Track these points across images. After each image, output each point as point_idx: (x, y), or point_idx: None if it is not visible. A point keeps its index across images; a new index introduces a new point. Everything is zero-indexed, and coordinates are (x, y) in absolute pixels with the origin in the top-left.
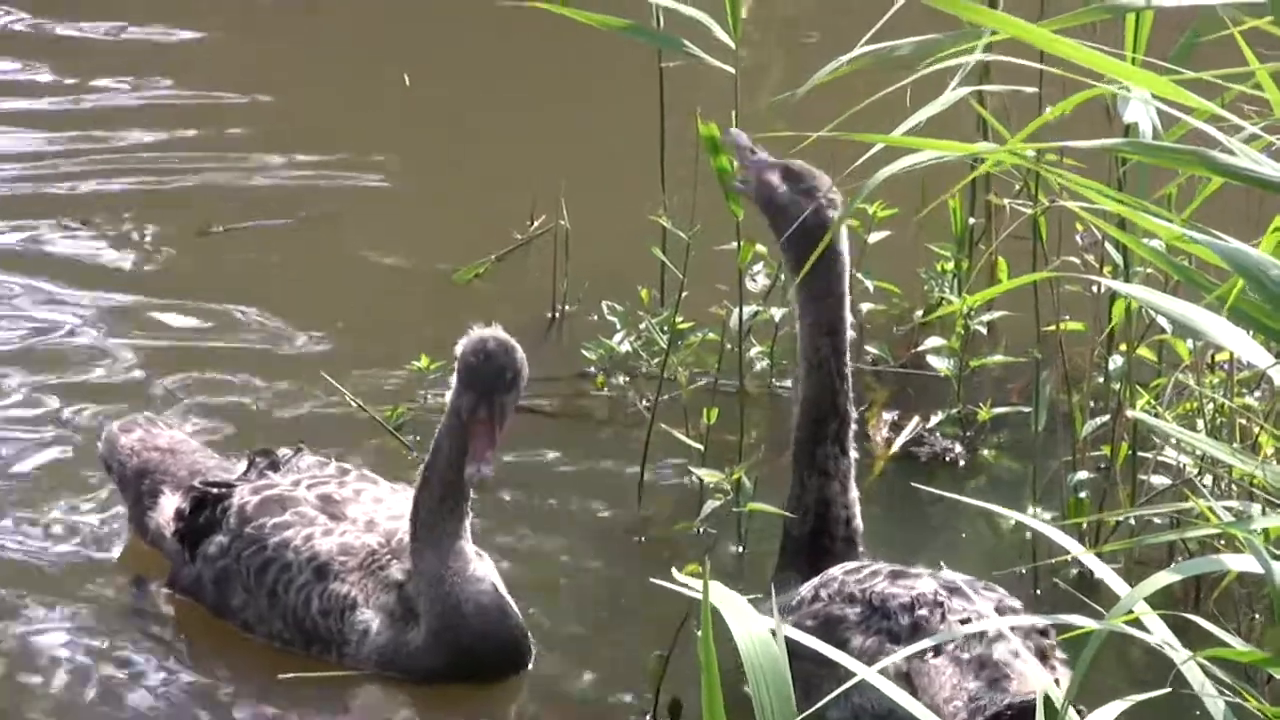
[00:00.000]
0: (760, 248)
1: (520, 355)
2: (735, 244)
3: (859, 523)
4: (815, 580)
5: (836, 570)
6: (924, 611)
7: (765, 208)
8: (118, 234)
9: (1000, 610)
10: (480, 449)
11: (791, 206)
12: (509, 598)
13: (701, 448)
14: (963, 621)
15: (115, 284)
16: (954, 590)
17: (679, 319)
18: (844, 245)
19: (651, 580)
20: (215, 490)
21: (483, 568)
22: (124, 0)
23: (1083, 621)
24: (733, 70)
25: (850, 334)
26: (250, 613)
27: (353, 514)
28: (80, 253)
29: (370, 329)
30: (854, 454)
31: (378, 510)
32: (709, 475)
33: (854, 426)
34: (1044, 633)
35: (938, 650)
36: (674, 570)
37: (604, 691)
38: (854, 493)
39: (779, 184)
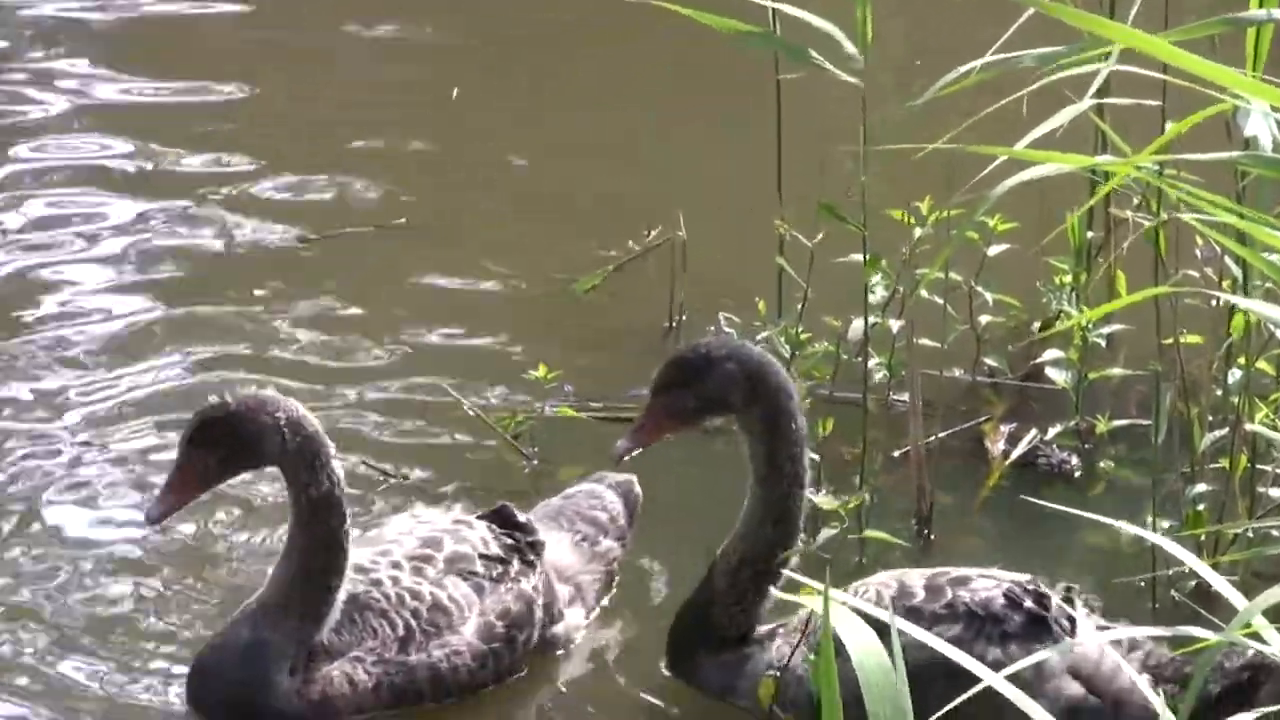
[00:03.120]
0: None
1: None
2: (860, 256)
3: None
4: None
5: (873, 594)
6: (1031, 604)
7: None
8: (230, 237)
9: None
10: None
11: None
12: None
13: (818, 458)
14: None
15: (221, 289)
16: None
17: (798, 329)
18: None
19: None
20: None
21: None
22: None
23: (1201, 633)
24: (860, 83)
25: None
26: None
27: None
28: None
29: (489, 338)
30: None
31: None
32: (825, 503)
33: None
34: None
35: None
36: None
37: (718, 709)
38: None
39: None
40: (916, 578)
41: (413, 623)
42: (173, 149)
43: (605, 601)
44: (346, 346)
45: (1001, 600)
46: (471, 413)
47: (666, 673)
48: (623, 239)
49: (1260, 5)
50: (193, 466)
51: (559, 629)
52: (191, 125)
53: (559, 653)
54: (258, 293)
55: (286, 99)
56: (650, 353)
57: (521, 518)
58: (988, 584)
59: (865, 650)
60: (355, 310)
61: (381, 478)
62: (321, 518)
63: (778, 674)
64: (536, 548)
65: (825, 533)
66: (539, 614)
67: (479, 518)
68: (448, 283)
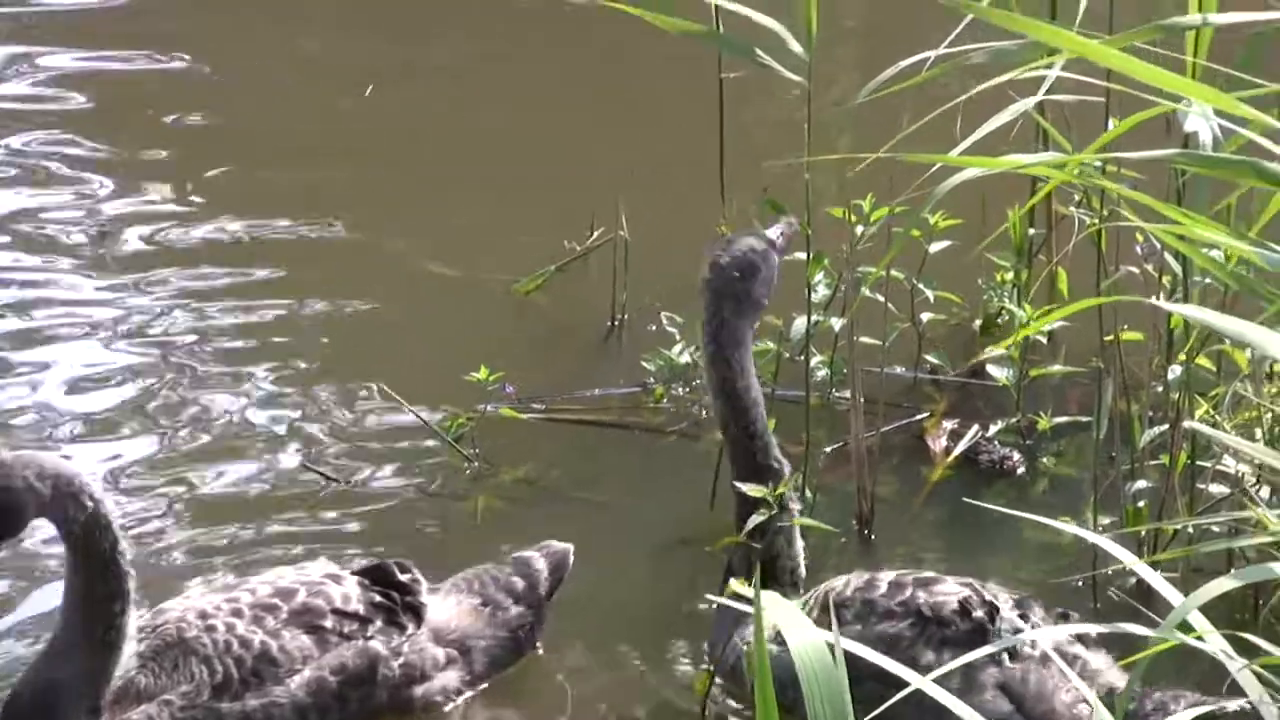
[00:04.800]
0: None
1: None
2: (805, 255)
3: (803, 571)
4: (819, 597)
5: (841, 586)
6: (980, 614)
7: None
8: (154, 241)
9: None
10: None
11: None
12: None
13: None
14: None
15: (156, 290)
16: (982, 586)
17: None
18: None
19: (707, 595)
20: None
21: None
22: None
23: (1139, 630)
24: (805, 81)
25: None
26: None
27: None
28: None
29: (429, 339)
30: (795, 506)
31: None
32: (753, 490)
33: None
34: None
35: (1013, 653)
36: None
37: (657, 704)
38: (799, 544)
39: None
40: (888, 574)
41: (234, 671)
42: (102, 142)
43: (510, 670)
44: (285, 349)
45: (953, 606)
46: (412, 415)
47: None
48: (565, 238)
49: (1199, 8)
50: None
51: (419, 690)
52: (118, 119)
53: (423, 715)
54: (194, 293)
55: (218, 94)
56: (593, 353)
57: (403, 577)
58: (950, 589)
59: (807, 652)
60: (292, 312)
61: (324, 481)
62: (93, 543)
63: (710, 669)
64: (413, 609)
65: (754, 518)
66: (388, 674)
67: (354, 573)
68: (386, 283)
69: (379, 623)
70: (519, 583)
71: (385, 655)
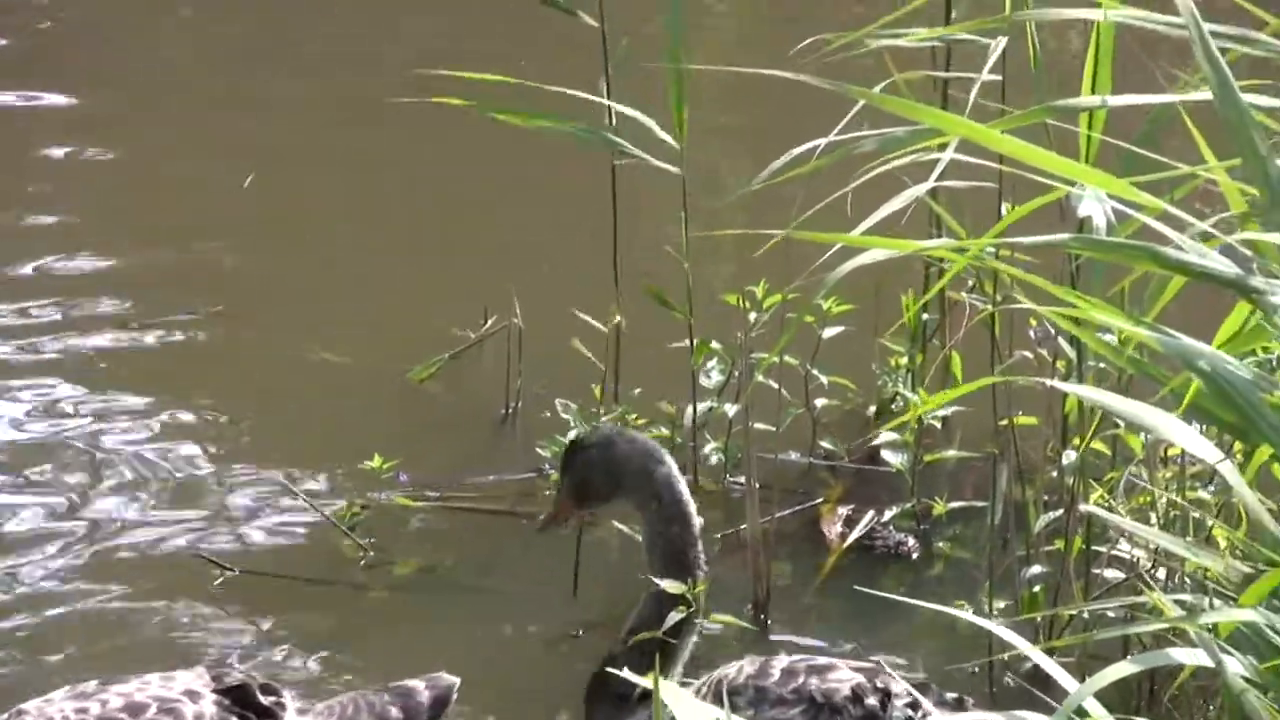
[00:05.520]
0: (715, 345)
1: None
2: (688, 342)
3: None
4: (712, 684)
5: (734, 673)
6: (873, 701)
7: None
8: (40, 318)
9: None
10: None
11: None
12: None
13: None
14: (909, 705)
15: (38, 376)
16: (876, 673)
17: (633, 415)
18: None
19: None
20: None
21: None
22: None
23: (1035, 718)
24: (678, 170)
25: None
26: None
27: None
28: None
29: (321, 426)
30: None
31: None
32: (671, 586)
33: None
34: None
35: None
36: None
37: None
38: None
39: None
40: (781, 660)
41: None
42: None
43: None
44: (174, 433)
45: (845, 692)
46: (304, 503)
47: None
48: (457, 326)
49: (1093, 90)
50: None
51: None
52: None
53: None
54: (81, 378)
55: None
56: (487, 440)
57: (265, 699)
58: (844, 675)
59: None
60: (181, 396)
61: (217, 570)
62: None
63: None
64: None
65: (672, 616)
66: None
67: (216, 691)
68: (275, 369)
69: None
70: (394, 713)
71: None
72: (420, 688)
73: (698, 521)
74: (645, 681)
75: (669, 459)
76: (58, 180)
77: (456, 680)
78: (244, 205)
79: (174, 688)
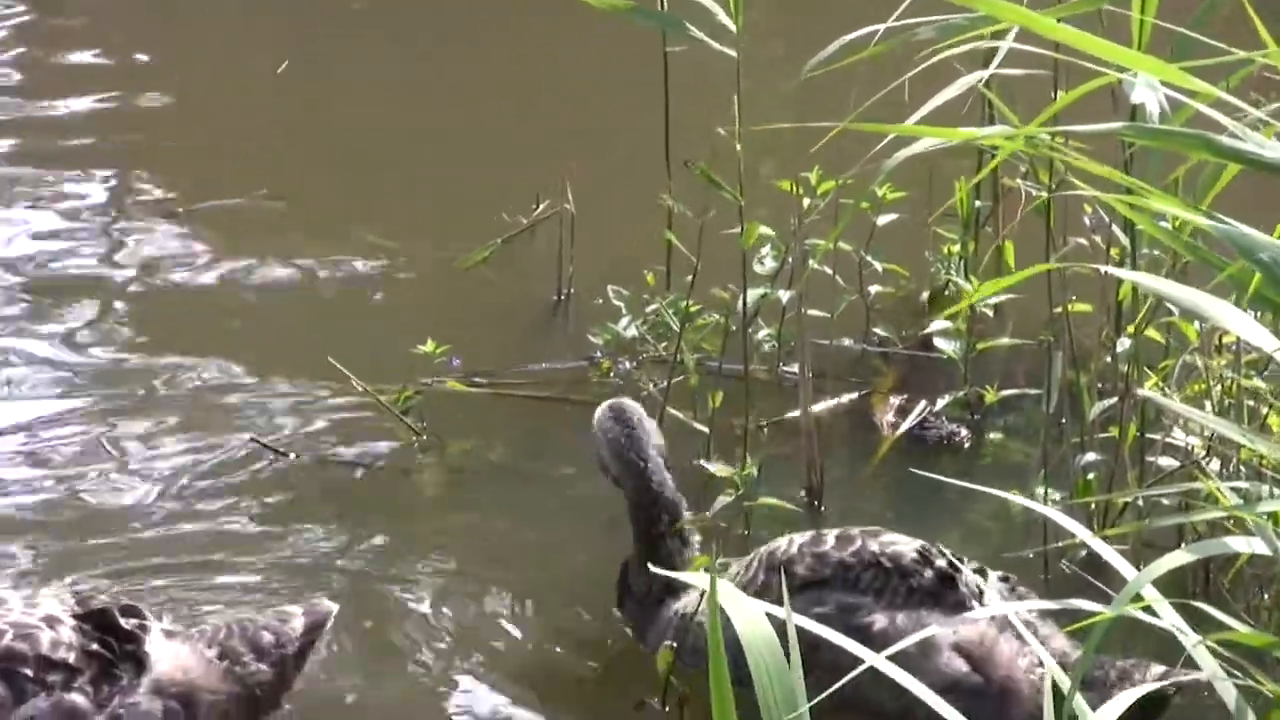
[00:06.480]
0: (766, 230)
1: None
2: (739, 228)
3: None
4: (763, 557)
5: (785, 545)
6: (942, 563)
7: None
8: (88, 213)
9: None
10: None
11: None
12: None
13: (708, 430)
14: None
15: (92, 266)
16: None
17: (688, 302)
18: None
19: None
20: None
21: None
22: None
23: (1091, 606)
24: (735, 54)
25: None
26: None
27: None
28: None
29: (375, 314)
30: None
31: None
32: (720, 470)
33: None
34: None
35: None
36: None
37: (611, 681)
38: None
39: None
40: (833, 530)
41: None
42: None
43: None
44: (229, 324)
45: (913, 555)
46: (359, 388)
47: None
48: (510, 213)
49: None
50: None
51: None
52: (45, 99)
53: None
54: (129, 269)
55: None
56: (539, 326)
57: (127, 623)
58: (901, 539)
59: (752, 631)
60: (234, 286)
61: (271, 455)
62: None
63: (673, 645)
64: (134, 658)
65: (721, 500)
66: None
67: (76, 616)
68: (330, 258)
69: (89, 673)
70: (266, 637)
71: (88, 709)
72: (296, 613)
73: (655, 462)
74: (685, 577)
75: (605, 421)
76: (98, 70)
77: (334, 608)
78: (284, 91)
79: (34, 614)
